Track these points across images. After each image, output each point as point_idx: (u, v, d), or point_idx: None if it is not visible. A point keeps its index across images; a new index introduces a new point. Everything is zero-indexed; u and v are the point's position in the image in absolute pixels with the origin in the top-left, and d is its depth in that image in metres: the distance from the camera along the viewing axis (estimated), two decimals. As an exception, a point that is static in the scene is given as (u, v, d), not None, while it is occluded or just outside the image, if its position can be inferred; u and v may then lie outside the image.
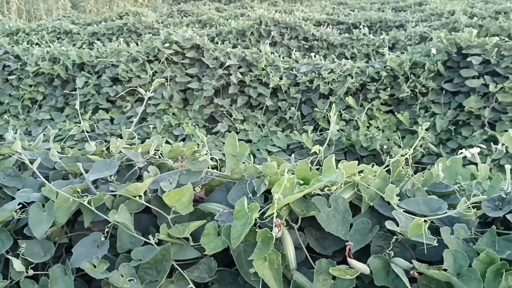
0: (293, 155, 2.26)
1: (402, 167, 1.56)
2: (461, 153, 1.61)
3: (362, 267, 1.26)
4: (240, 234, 1.33)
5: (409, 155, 1.59)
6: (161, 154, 1.81)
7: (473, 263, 1.21)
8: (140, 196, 1.49)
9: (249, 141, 4.51)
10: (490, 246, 1.28)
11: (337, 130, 4.24)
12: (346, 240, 1.37)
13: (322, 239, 1.47)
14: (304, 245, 1.43)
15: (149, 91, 2.03)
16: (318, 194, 1.48)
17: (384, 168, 1.54)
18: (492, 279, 1.19)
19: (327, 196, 1.47)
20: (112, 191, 1.53)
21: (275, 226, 1.30)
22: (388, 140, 4.18)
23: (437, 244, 1.23)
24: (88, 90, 5.15)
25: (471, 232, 1.37)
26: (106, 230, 1.44)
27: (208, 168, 1.79)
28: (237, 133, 4.61)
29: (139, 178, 1.74)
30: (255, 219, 1.37)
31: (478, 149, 1.57)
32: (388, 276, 1.27)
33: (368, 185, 1.47)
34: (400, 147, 4.16)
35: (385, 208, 1.44)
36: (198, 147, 1.69)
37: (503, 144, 1.65)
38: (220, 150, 4.61)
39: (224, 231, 1.38)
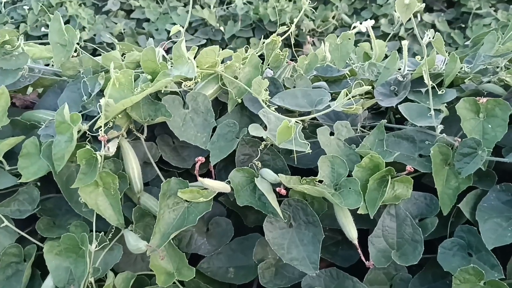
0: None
1: (281, 49, 1.23)
2: (354, 27, 1.30)
3: (218, 186, 0.99)
4: (64, 154, 1.00)
5: (291, 33, 1.26)
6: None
7: (354, 171, 0.97)
8: None
9: (146, 20, 3.96)
10: (378, 146, 1.04)
11: (244, 3, 3.78)
12: (208, 150, 1.08)
13: (181, 149, 1.17)
14: (155, 159, 1.12)
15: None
16: (174, 92, 1.15)
17: (257, 52, 1.21)
18: (374, 189, 0.96)
19: (186, 93, 1.14)
20: None
21: (103, 142, 0.97)
22: (299, 12, 3.80)
23: (310, 151, 0.97)
24: None
25: (358, 129, 1.11)
26: None
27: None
28: (132, 10, 4.03)
29: None
30: (86, 132, 1.04)
31: (372, 22, 1.26)
32: (255, 193, 1.01)
33: (236, 76, 1.15)
34: (312, 20, 3.82)
35: (259, 105, 1.14)
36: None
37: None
38: (111, 33, 4.00)
39: (45, 150, 1.04)
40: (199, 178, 0.94)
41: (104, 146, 0.96)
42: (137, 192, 1.07)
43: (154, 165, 1.09)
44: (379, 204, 0.93)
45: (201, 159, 0.94)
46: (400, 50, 1.20)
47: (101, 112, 0.99)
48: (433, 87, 1.05)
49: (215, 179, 1.07)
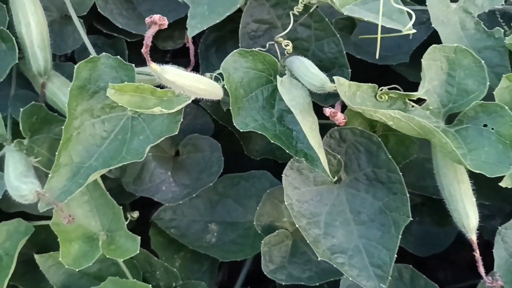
0: None
1: None
2: None
3: (197, 86, 0.45)
4: None
5: None
6: None
7: (498, 89, 0.44)
8: None
9: None
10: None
11: None
12: None
13: (139, -4, 0.61)
14: (83, 11, 0.58)
15: None
16: None
17: None
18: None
19: None
20: None
21: None
22: None
23: (412, 32, 0.43)
24: None
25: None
26: None
27: None
28: None
29: None
30: None
31: None
32: (273, 107, 0.48)
33: None
34: None
35: None
36: None
37: None
38: None
39: None
40: (152, 65, 0.41)
41: None
42: (39, 73, 0.54)
43: (78, 24, 0.55)
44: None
45: (159, 19, 0.39)
46: None
47: None
48: None
49: (196, 67, 0.54)
